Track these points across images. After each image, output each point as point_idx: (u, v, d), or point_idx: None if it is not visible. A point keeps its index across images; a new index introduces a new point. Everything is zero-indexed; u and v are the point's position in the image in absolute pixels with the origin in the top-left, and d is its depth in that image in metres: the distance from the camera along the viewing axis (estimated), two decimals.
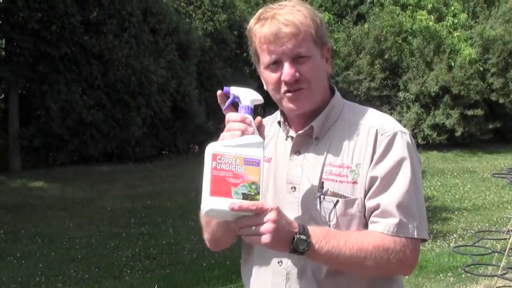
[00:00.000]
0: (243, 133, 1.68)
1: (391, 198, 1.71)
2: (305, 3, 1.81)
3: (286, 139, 1.90)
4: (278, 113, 1.95)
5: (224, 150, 1.65)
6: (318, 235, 1.65)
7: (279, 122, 1.94)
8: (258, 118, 1.76)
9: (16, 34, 14.26)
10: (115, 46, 15.78)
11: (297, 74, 1.75)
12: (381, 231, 1.70)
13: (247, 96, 1.76)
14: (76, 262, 7.87)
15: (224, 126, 1.74)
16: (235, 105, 1.77)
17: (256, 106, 1.77)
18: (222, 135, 1.71)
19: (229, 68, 19.71)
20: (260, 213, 1.57)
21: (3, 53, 15.71)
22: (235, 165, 1.65)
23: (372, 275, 1.75)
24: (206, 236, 1.98)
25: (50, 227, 9.76)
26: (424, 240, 1.77)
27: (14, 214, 10.61)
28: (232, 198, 1.60)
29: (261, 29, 1.76)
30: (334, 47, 22.20)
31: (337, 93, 1.90)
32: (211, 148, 1.66)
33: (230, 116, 1.73)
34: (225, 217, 1.67)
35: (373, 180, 1.73)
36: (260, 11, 1.81)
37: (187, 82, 17.44)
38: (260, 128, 1.75)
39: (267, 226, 1.56)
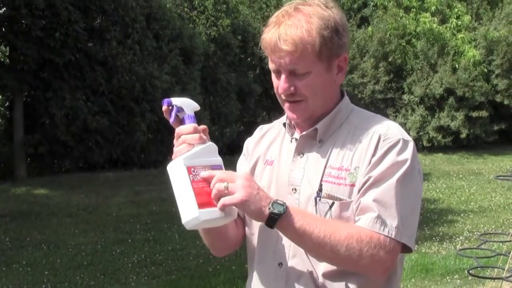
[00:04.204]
0: (199, 142, 1.73)
1: (372, 195, 1.70)
2: (328, 8, 1.78)
3: (291, 141, 1.91)
4: (285, 115, 1.95)
5: (194, 162, 1.68)
6: (295, 210, 1.67)
7: (284, 124, 1.95)
8: (203, 126, 1.79)
9: (20, 42, 14.29)
10: (119, 52, 15.80)
11: (292, 88, 1.77)
12: (360, 225, 1.69)
13: (188, 105, 1.79)
14: (81, 269, 7.87)
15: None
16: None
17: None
18: (177, 149, 1.74)
19: (233, 73, 19.71)
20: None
21: (7, 60, 15.77)
22: None
23: (344, 267, 1.72)
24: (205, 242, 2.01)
25: (56, 234, 9.77)
26: (407, 249, 1.73)
27: (20, 221, 10.62)
28: (216, 207, 1.64)
29: (266, 34, 1.77)
30: None
31: (346, 98, 1.91)
32: (182, 162, 1.68)
33: (181, 129, 1.75)
34: (213, 225, 1.74)
35: (365, 182, 1.73)
36: (282, 8, 1.80)
37: (191, 87, 17.45)
38: (205, 134, 1.78)
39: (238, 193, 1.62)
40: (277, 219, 1.62)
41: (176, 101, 1.78)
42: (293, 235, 1.68)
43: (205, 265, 7.93)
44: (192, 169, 1.67)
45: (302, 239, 1.66)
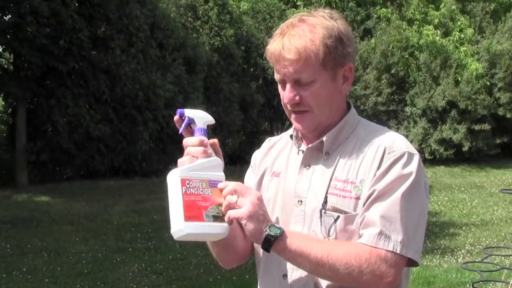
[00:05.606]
0: (203, 156, 1.72)
1: (376, 209, 1.69)
2: (332, 19, 1.80)
3: (298, 153, 1.91)
4: (293, 127, 1.95)
5: (190, 175, 1.69)
6: (291, 233, 1.69)
7: (291, 136, 1.95)
8: (214, 140, 1.79)
9: (24, 49, 14.32)
10: (122, 61, 15.84)
11: (297, 98, 1.77)
12: (361, 242, 1.69)
13: (200, 117, 1.79)
14: (82, 277, 7.85)
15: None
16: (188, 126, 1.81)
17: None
18: (180, 160, 1.74)
19: (236, 83, 19.74)
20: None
21: (11, 67, 15.80)
22: (202, 188, 1.69)
23: (346, 285, 1.71)
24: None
25: (57, 241, 9.75)
26: (413, 263, 1.72)
27: (21, 228, 10.60)
28: (205, 222, 1.66)
29: (271, 44, 1.79)
30: None
31: (353, 110, 1.91)
32: (177, 174, 1.69)
33: (188, 141, 1.75)
34: (200, 239, 1.77)
35: (370, 195, 1.72)
36: (288, 20, 1.82)
37: (194, 96, 17.47)
38: (215, 149, 1.78)
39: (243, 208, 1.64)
40: (272, 241, 1.63)
41: (189, 112, 1.79)
42: (290, 257, 1.69)
43: (206, 275, 7.91)
44: (187, 182, 1.68)
45: (300, 260, 1.67)
